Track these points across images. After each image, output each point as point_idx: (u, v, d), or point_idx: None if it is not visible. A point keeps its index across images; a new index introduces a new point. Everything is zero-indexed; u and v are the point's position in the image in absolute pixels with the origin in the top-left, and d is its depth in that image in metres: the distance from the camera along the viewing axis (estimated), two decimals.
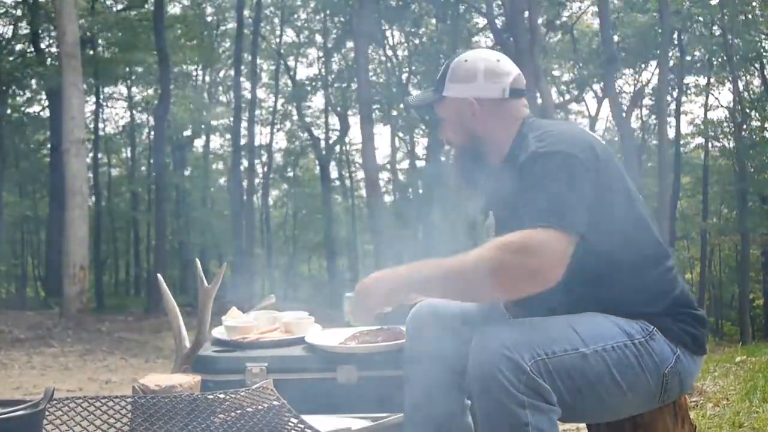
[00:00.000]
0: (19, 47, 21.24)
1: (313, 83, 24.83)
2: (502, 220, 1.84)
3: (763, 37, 20.11)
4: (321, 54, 24.66)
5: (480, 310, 1.93)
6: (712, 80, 22.06)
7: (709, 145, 23.01)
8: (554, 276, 1.53)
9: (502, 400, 1.49)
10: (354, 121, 23.94)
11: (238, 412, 1.65)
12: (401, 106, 22.47)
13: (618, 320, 1.67)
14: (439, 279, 1.62)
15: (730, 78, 20.20)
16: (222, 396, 1.67)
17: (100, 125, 23.96)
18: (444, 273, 1.61)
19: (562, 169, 1.60)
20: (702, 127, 22.71)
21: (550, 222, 1.53)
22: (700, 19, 20.19)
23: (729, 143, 22.08)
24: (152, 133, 22.39)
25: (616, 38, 18.64)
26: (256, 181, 23.47)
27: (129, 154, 26.08)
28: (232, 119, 21.47)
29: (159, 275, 2.52)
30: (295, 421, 1.65)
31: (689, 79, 22.27)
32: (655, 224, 1.80)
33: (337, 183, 26.50)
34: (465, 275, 1.57)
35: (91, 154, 20.04)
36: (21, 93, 22.10)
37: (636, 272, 1.70)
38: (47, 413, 1.46)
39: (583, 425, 2.60)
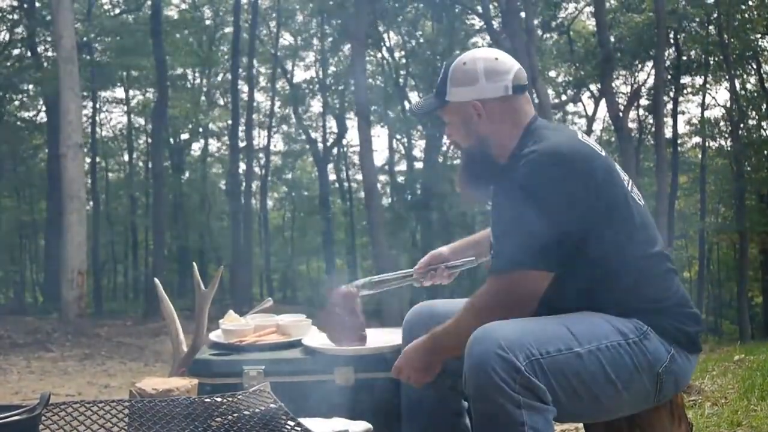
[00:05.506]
0: (16, 52, 21.25)
1: (311, 86, 24.84)
2: (492, 229, 1.85)
3: (759, 35, 20.13)
4: (318, 57, 24.67)
5: None
6: (708, 79, 22.08)
7: (707, 144, 23.03)
8: (527, 313, 1.66)
9: (497, 400, 1.50)
10: (351, 123, 24.00)
11: (235, 415, 1.64)
12: (398, 108, 22.48)
13: (612, 319, 1.67)
14: (452, 343, 1.72)
15: (726, 77, 20.21)
16: (219, 399, 1.67)
17: (98, 129, 24.00)
18: (454, 336, 1.71)
19: (535, 201, 1.63)
20: (699, 126, 22.72)
21: (519, 265, 1.64)
22: (696, 18, 20.21)
23: (726, 142, 22.10)
24: (150, 136, 22.36)
25: (612, 38, 18.65)
26: (254, 183, 23.44)
27: (127, 158, 26.08)
28: (229, 122, 21.46)
29: (156, 279, 2.52)
30: (292, 423, 1.64)
31: (686, 79, 22.30)
32: (654, 227, 1.80)
33: (336, 185, 26.49)
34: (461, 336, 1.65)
35: (88, 159, 20.04)
36: (18, 98, 22.08)
37: (634, 275, 1.70)
38: (43, 418, 1.45)
39: (581, 425, 2.60)
